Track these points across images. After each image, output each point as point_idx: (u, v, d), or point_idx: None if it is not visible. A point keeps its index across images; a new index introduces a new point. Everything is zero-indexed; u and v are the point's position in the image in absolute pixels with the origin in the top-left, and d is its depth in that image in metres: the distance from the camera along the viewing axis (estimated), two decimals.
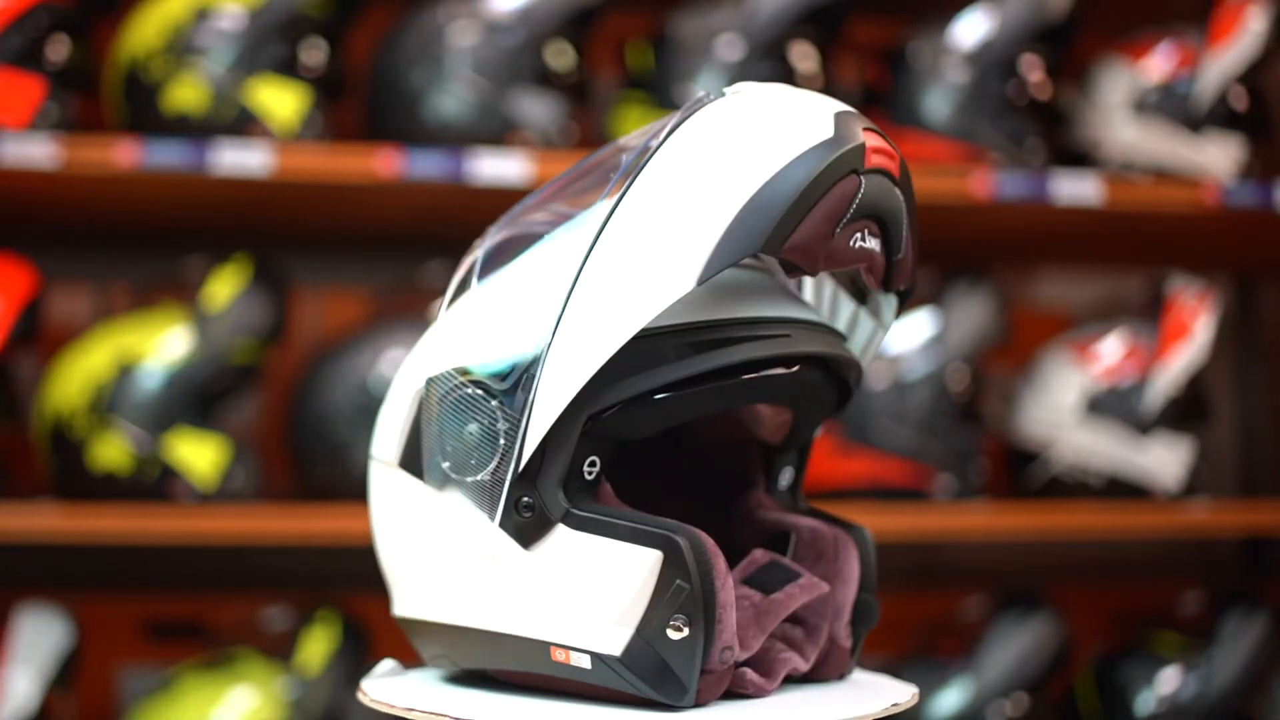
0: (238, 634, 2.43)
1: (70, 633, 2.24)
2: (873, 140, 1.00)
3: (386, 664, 1.17)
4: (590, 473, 1.02)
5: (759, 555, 1.10)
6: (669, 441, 1.14)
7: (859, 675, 1.14)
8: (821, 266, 1.01)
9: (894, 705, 1.04)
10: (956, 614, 2.62)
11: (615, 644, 1.00)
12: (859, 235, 1.01)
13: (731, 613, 0.99)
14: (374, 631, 2.36)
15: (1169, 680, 2.54)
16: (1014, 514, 2.61)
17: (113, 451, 2.27)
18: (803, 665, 1.08)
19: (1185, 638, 2.62)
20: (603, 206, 1.01)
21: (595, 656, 1.00)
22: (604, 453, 1.02)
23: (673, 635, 0.98)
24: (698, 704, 1.00)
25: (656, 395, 1.01)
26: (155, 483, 2.27)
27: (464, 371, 1.05)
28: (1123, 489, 2.62)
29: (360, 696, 1.10)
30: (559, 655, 1.02)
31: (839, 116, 1.00)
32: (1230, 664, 2.50)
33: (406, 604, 1.12)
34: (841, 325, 1.15)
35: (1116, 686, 2.59)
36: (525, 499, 1.01)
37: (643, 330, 0.99)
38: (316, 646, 2.28)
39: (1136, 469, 2.61)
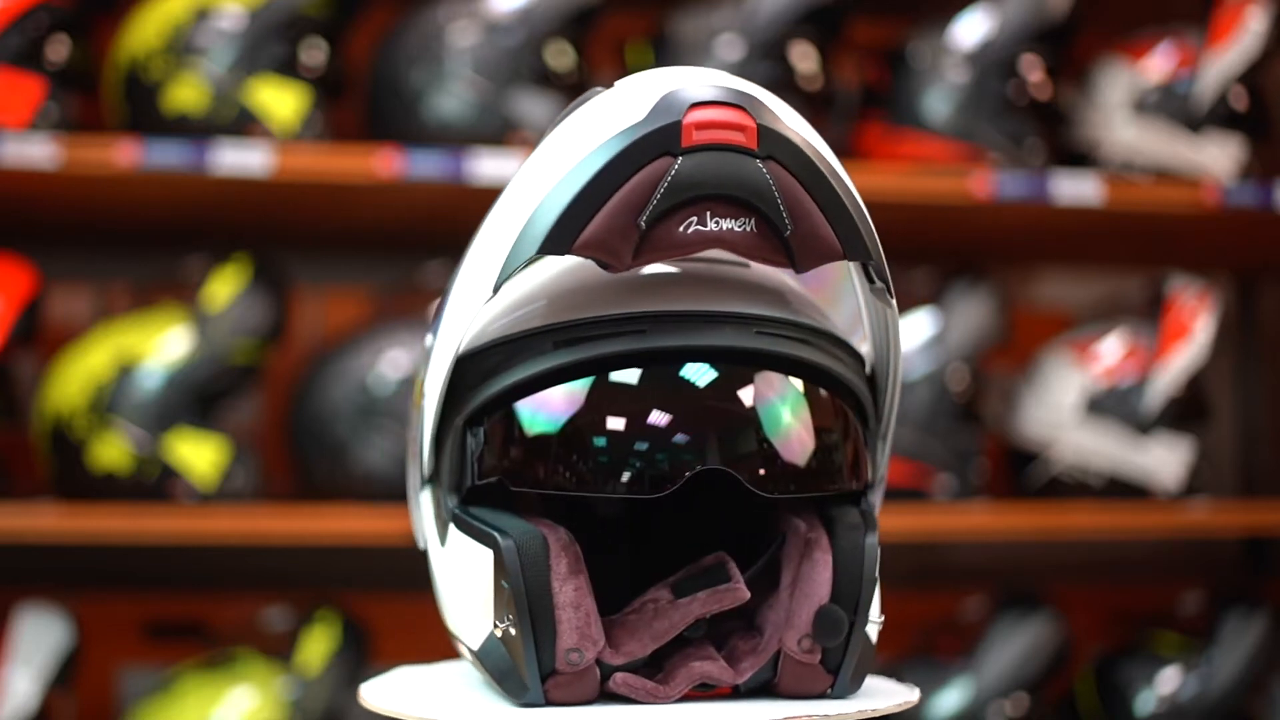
0: (238, 634, 2.43)
1: (70, 633, 2.24)
2: (704, 115, 0.94)
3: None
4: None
5: (709, 559, 1.05)
6: None
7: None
8: (636, 260, 0.96)
9: None
10: (956, 614, 2.62)
11: (477, 639, 1.02)
12: (694, 219, 0.95)
13: (575, 614, 0.98)
14: (374, 631, 2.36)
15: (1169, 680, 2.54)
16: (1014, 514, 2.61)
17: (113, 451, 2.27)
18: (724, 676, 1.02)
19: (1185, 638, 2.62)
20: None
21: (468, 649, 1.04)
22: None
23: (497, 633, 1.00)
24: (553, 703, 0.99)
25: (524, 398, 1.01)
26: (155, 483, 2.27)
27: (415, 382, 1.12)
28: (1123, 489, 2.62)
29: (360, 699, 1.10)
30: (459, 646, 1.06)
31: (668, 96, 0.95)
32: (1230, 664, 2.50)
33: None
34: (875, 317, 1.09)
35: (1116, 686, 2.59)
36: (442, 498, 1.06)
37: (521, 331, 1.01)
38: (316, 646, 2.28)
39: (1136, 469, 2.61)
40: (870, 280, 1.04)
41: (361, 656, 2.31)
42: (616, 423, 1.00)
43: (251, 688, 2.27)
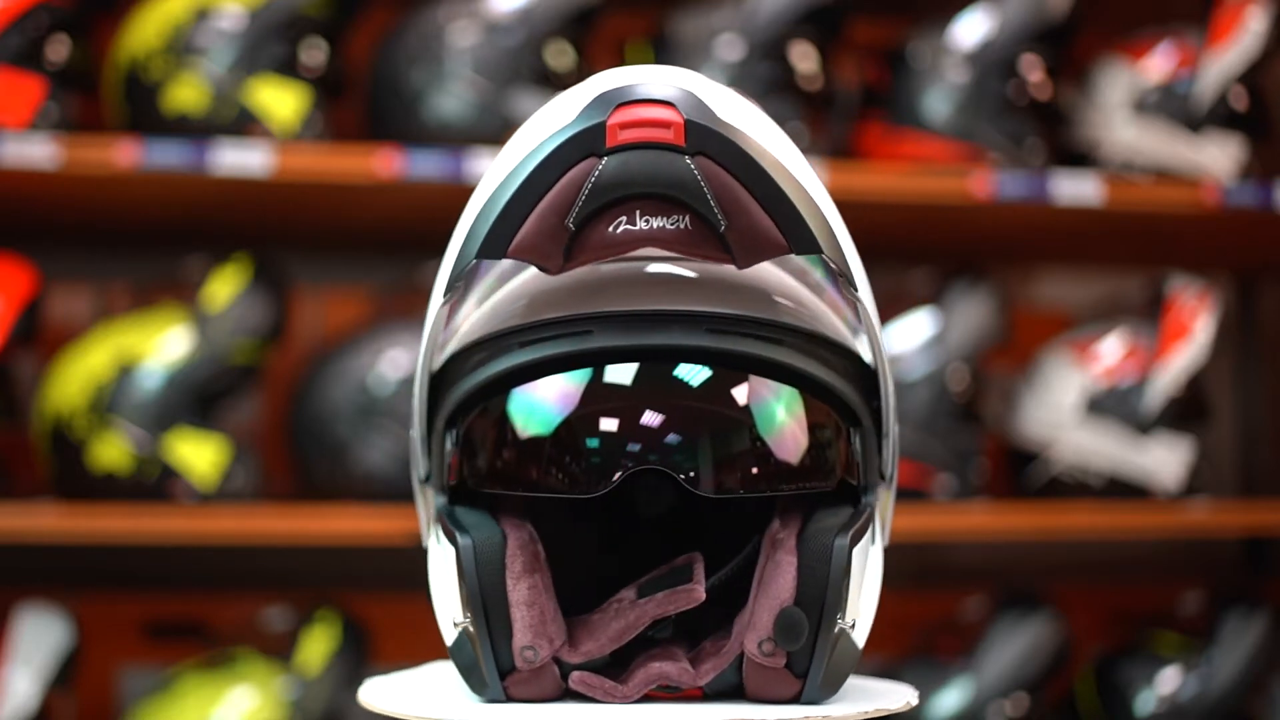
0: (238, 634, 2.43)
1: (70, 633, 2.24)
2: (629, 114, 0.94)
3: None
4: None
5: (680, 559, 1.04)
6: None
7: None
8: (570, 263, 0.96)
9: None
10: (956, 614, 2.62)
11: (449, 636, 1.03)
12: (624, 219, 0.95)
13: (529, 611, 0.99)
14: (374, 631, 2.36)
15: (1169, 680, 2.54)
16: (1014, 514, 2.61)
17: (113, 451, 2.27)
18: (684, 678, 1.00)
19: (1185, 638, 2.62)
20: None
21: (447, 645, 1.04)
22: None
23: (457, 630, 1.01)
24: (514, 699, 1.00)
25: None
26: (155, 483, 2.27)
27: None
28: (1123, 489, 2.62)
29: (360, 699, 1.10)
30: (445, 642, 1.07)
31: (600, 96, 0.95)
32: (1230, 664, 2.50)
33: None
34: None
35: (1116, 686, 2.59)
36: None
37: (496, 331, 1.02)
38: (316, 646, 2.28)
39: (1136, 469, 2.61)
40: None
41: (361, 656, 2.31)
42: (548, 425, 1.01)
43: (251, 688, 2.27)
